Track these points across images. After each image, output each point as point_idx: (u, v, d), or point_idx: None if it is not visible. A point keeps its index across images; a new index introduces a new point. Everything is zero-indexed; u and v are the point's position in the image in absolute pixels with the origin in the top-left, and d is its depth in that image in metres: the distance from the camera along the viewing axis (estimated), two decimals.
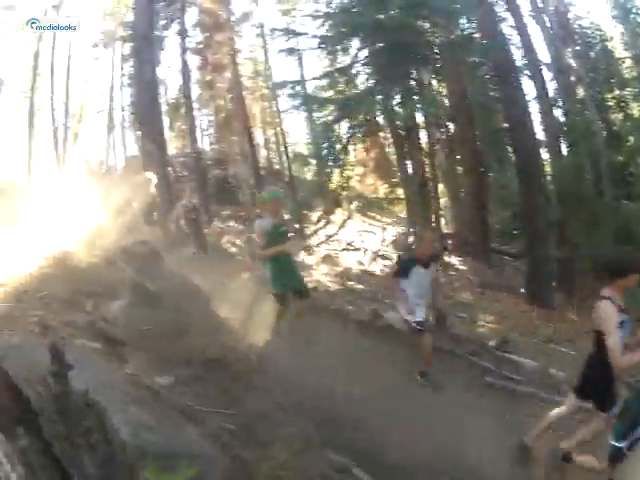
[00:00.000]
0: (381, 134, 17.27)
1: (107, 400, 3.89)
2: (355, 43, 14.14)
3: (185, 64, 20.50)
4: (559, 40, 18.99)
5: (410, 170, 16.76)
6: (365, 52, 14.02)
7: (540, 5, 18.67)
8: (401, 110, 13.04)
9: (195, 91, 21.15)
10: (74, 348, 4.98)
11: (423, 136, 20.42)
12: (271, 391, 6.05)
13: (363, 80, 15.66)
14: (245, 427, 5.03)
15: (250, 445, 4.86)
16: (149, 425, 3.98)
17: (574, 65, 19.32)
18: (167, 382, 5.31)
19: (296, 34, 16.48)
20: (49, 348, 2.11)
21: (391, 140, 18.06)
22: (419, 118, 18.67)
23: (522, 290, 17.24)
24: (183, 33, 20.54)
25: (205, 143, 22.23)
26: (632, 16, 17.76)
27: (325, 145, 13.95)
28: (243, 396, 5.63)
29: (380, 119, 14.79)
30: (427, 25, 13.41)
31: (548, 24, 18.94)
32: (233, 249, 12.51)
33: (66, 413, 2.19)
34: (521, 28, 18.17)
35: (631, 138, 19.09)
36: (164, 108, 20.83)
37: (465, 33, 17.66)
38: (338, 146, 13.77)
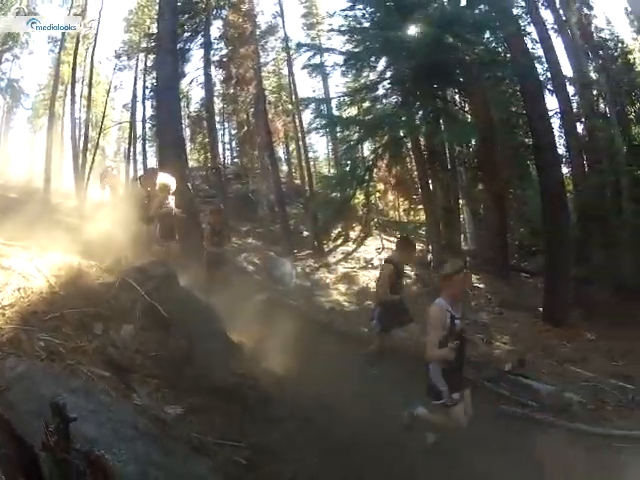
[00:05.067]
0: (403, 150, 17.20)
1: (113, 436, 3.86)
2: (382, 61, 14.04)
3: (208, 77, 20.57)
4: (582, 53, 18.87)
5: (431, 188, 16.62)
6: (393, 70, 13.90)
7: (563, 18, 18.56)
8: (425, 130, 12.91)
9: (218, 104, 21.23)
10: (81, 377, 4.94)
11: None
12: (282, 422, 5.97)
13: (389, 99, 15.63)
14: (254, 460, 4.95)
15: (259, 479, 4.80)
16: (156, 461, 3.95)
17: (595, 78, 19.19)
18: (176, 412, 5.24)
19: (322, 50, 16.43)
20: (50, 405, 2.05)
21: (413, 157, 17.96)
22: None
23: (540, 309, 17.02)
24: (207, 45, 20.59)
25: (227, 157, 22.31)
26: None
27: (349, 165, 13.85)
28: (252, 428, 5.55)
29: (405, 139, 14.69)
30: (459, 43, 13.25)
31: (571, 36, 18.84)
32: (250, 267, 12.43)
33: (68, 469, 2.14)
34: (545, 41, 18.08)
35: None
36: (186, 121, 20.92)
37: (491, 48, 17.63)
38: (361, 167, 13.65)
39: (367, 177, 13.99)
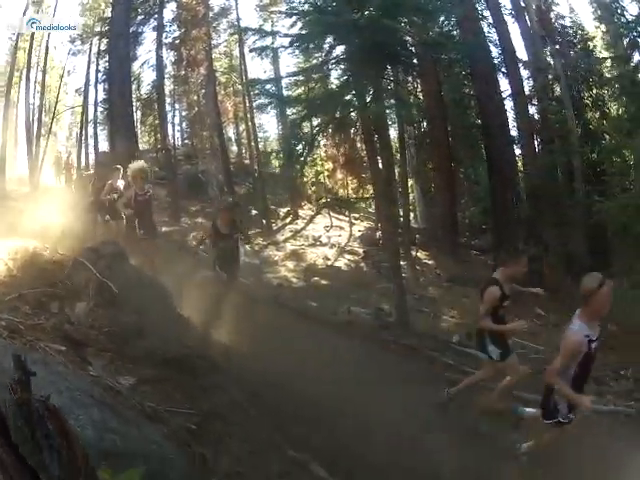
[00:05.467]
0: (352, 130, 17.42)
1: (71, 403, 4.07)
2: (328, 41, 14.19)
3: (160, 59, 20.53)
4: (539, 38, 19.23)
5: (380, 167, 16.92)
6: (338, 50, 14.08)
7: (522, 4, 18.90)
8: (372, 108, 13.12)
9: (169, 86, 21.21)
10: (40, 351, 5.16)
11: (394, 133, 20.81)
12: (230, 389, 6.20)
13: (336, 78, 15.82)
14: (204, 426, 5.19)
15: (210, 443, 5.02)
16: (112, 427, 4.11)
17: (553, 63, 19.56)
18: (129, 383, 5.43)
19: (268, 33, 16.53)
20: (12, 357, 2.29)
21: (362, 136, 18.17)
22: (391, 115, 18.96)
23: None
24: (160, 28, 20.53)
25: (177, 138, 22.28)
26: (616, 16, 17.94)
27: (292, 142, 14.00)
28: (203, 395, 5.77)
29: (352, 116, 14.91)
30: (403, 25, 13.46)
31: (529, 23, 19.19)
32: (200, 246, 12.57)
33: (29, 418, 2.33)
34: (500, 26, 18.45)
35: (607, 137, 19.32)
36: (137, 104, 20.91)
37: (443, 31, 17.90)
38: (303, 143, 13.82)
39: (307, 152, 14.19)
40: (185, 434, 4.94)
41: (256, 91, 15.70)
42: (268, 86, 15.07)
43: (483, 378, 8.68)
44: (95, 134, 21.21)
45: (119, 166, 14.02)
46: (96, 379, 5.14)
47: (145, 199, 12.15)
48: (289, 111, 15.58)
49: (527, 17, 19.15)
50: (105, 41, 20.33)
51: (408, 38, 13.80)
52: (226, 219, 10.87)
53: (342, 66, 14.41)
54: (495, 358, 7.99)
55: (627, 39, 17.42)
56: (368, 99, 13.27)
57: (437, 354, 11.21)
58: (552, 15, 19.72)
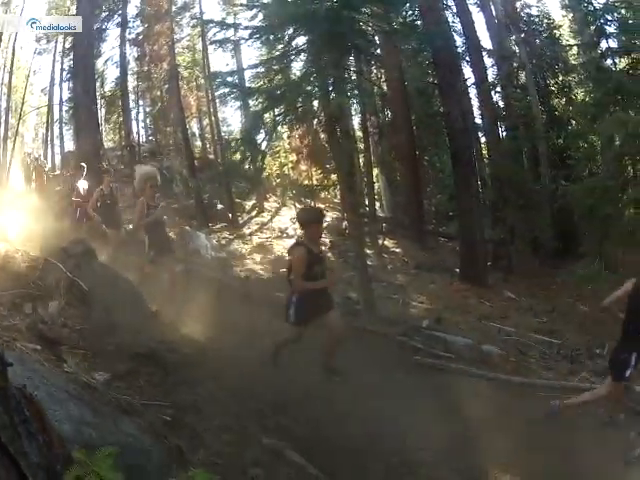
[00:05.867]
0: (315, 121, 17.52)
1: (48, 398, 4.15)
2: (289, 32, 14.25)
3: (123, 55, 20.47)
4: (503, 27, 19.47)
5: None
6: (299, 41, 14.15)
7: None
8: (333, 98, 13.20)
9: (132, 82, 21.15)
10: (16, 351, 5.24)
11: (358, 123, 21.01)
12: (203, 382, 6.29)
13: (297, 69, 15.89)
14: (179, 418, 5.29)
15: (185, 435, 5.10)
16: (88, 421, 4.17)
17: (518, 52, 19.82)
18: (103, 378, 5.51)
19: (230, 25, 16.55)
20: None
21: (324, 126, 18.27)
22: (355, 105, 19.07)
23: (457, 270, 17.67)
24: (124, 24, 20.47)
25: (141, 135, 22.21)
26: (583, 4, 18.19)
27: (253, 133, 14.06)
28: (175, 389, 5.85)
29: (313, 107, 15.00)
30: (362, 15, 13.54)
31: (494, 12, 19.44)
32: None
33: (7, 405, 2.42)
34: (464, 15, 18.69)
35: (573, 122, 19.61)
36: (101, 101, 20.82)
37: (406, 21, 18.05)
38: (262, 134, 13.90)
39: (267, 143, 14.27)
40: (161, 427, 5.01)
41: (216, 83, 15.72)
42: (230, 78, 15.09)
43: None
44: (61, 134, 21.15)
45: (83, 164, 14.01)
46: (71, 376, 5.21)
47: (157, 217, 10.73)
48: (251, 102, 15.61)
49: (492, 6, 19.42)
50: (70, 39, 20.19)
51: (369, 28, 13.89)
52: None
53: (303, 57, 14.47)
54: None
55: (594, 26, 17.65)
56: (322, 88, 13.37)
57: (406, 339, 11.31)
58: (518, 4, 20.03)
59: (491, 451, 6.76)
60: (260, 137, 14.04)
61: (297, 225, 11.97)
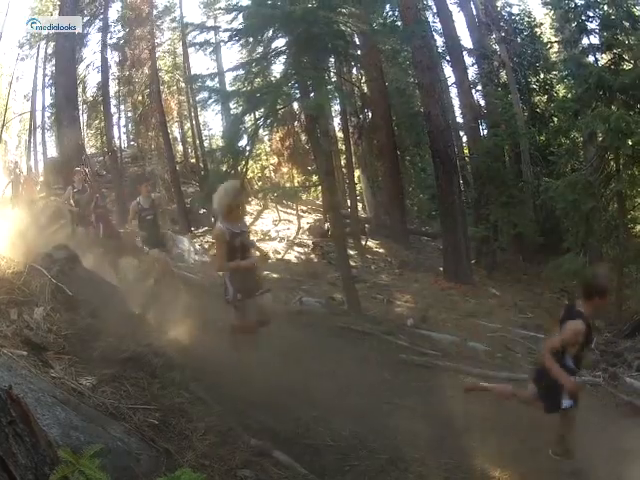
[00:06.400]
0: (296, 123, 17.53)
1: (36, 403, 4.17)
2: (267, 34, 14.28)
3: (105, 60, 20.41)
4: (484, 26, 19.60)
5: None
6: (278, 43, 14.17)
7: None
8: (312, 99, 13.22)
9: (114, 87, 21.09)
10: (3, 357, 5.25)
11: (337, 123, 21.11)
12: (189, 385, 6.30)
13: (277, 72, 15.91)
14: (166, 421, 5.31)
15: (173, 438, 5.12)
16: (76, 425, 4.21)
17: (498, 51, 19.94)
18: (90, 383, 5.52)
19: (210, 28, 16.58)
20: None
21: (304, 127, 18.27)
22: (335, 107, 19.16)
23: (441, 269, 17.72)
24: (105, 29, 20.41)
25: (123, 140, 22.15)
26: (564, 1, 18.25)
27: (235, 137, 14.04)
28: (162, 392, 5.87)
29: (293, 109, 15.06)
30: (340, 16, 13.57)
31: (474, 11, 19.57)
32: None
33: None
34: (444, 15, 18.81)
35: (554, 119, 19.70)
36: (83, 106, 20.75)
37: (386, 21, 18.15)
38: (245, 138, 13.89)
39: (249, 147, 14.26)
40: (148, 429, 5.04)
41: (197, 86, 15.74)
42: (210, 83, 15.11)
43: None
44: (43, 140, 21.05)
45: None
46: (58, 381, 5.24)
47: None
48: (231, 105, 15.63)
49: (473, 6, 19.55)
50: (52, 45, 20.12)
51: (348, 29, 13.93)
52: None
53: (282, 59, 14.50)
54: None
55: (575, 23, 17.73)
56: (301, 90, 13.43)
57: (391, 337, 11.34)
58: (499, 3, 20.17)
59: (479, 447, 6.76)
60: (243, 142, 14.02)
61: (280, 227, 11.94)
